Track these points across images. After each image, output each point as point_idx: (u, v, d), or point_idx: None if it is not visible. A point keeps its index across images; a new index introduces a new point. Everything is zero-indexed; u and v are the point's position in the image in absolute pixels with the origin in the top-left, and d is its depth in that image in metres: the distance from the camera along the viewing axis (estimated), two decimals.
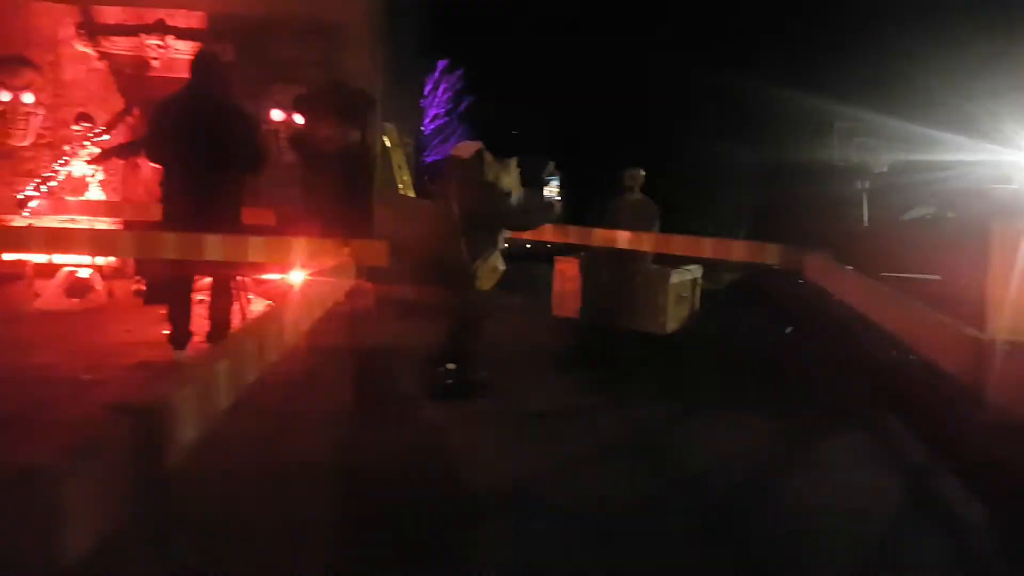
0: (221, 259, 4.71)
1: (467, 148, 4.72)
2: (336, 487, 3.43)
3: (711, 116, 13.97)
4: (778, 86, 12.16)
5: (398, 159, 9.56)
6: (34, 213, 6.72)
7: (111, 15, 7.99)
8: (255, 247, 4.58)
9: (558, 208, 4.98)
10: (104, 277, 7.06)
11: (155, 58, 7.92)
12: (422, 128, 19.26)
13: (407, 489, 3.43)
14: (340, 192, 6.76)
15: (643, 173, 6.14)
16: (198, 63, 5.33)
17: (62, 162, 7.26)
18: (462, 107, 22.14)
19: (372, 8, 8.49)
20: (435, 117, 21.09)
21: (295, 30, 8.21)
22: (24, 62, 7.93)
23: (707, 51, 14.40)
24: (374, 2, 8.51)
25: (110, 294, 7.08)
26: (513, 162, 4.75)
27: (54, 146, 8.04)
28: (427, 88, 20.27)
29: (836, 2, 14.31)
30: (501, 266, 4.81)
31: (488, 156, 4.69)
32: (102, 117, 7.97)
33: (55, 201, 6.89)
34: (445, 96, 21.64)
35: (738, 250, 5.40)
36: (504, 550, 2.96)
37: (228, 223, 4.96)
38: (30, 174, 8.00)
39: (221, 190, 5.13)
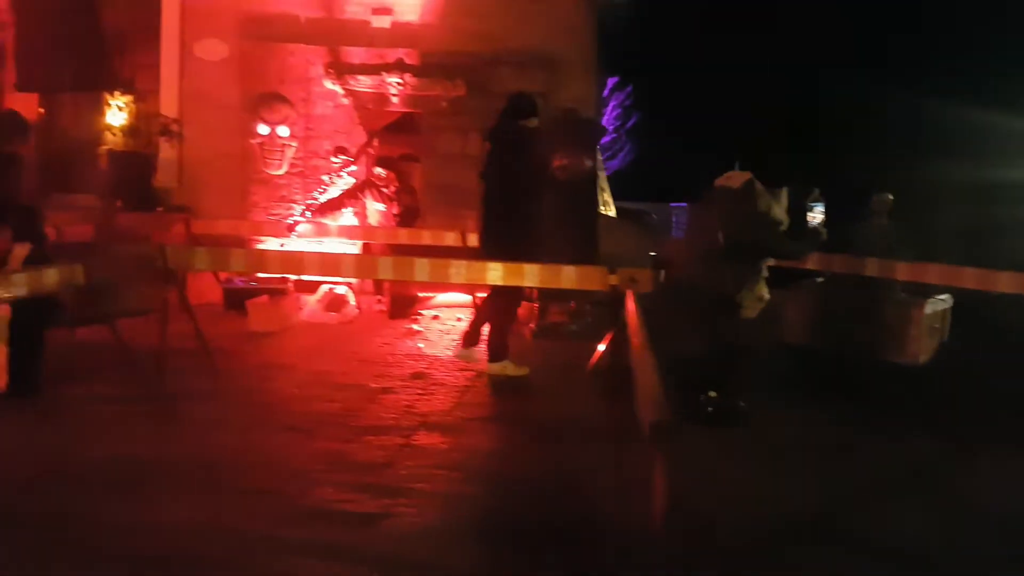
0: (501, 284, 5.13)
1: (736, 177, 4.84)
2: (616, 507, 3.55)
3: (922, 134, 13.32)
4: (997, 100, 11.44)
5: (600, 180, 9.84)
6: (300, 236, 7.53)
7: (356, 55, 8.81)
8: (530, 273, 4.95)
9: (823, 235, 4.98)
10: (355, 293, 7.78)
11: (395, 94, 8.65)
12: None
13: (688, 517, 3.47)
14: (570, 218, 7.13)
15: (891, 198, 6.03)
16: (508, 104, 5.77)
17: (321, 190, 8.08)
18: (630, 124, 22.32)
19: (589, 39, 8.85)
20: None
21: (518, 63, 8.69)
22: (280, 99, 8.91)
23: (918, 68, 13.78)
24: (591, 33, 8.87)
25: (360, 309, 7.79)
26: (784, 192, 4.83)
27: (305, 174, 8.97)
28: None
29: None
30: (766, 295, 4.90)
31: (759, 185, 4.79)
32: (347, 147, 8.81)
33: (317, 225, 7.68)
34: (614, 113, 21.90)
35: (1006, 282, 5.20)
36: None
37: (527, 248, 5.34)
38: (283, 200, 8.98)
39: (516, 218, 5.58)
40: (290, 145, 8.90)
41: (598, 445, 4.01)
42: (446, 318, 7.86)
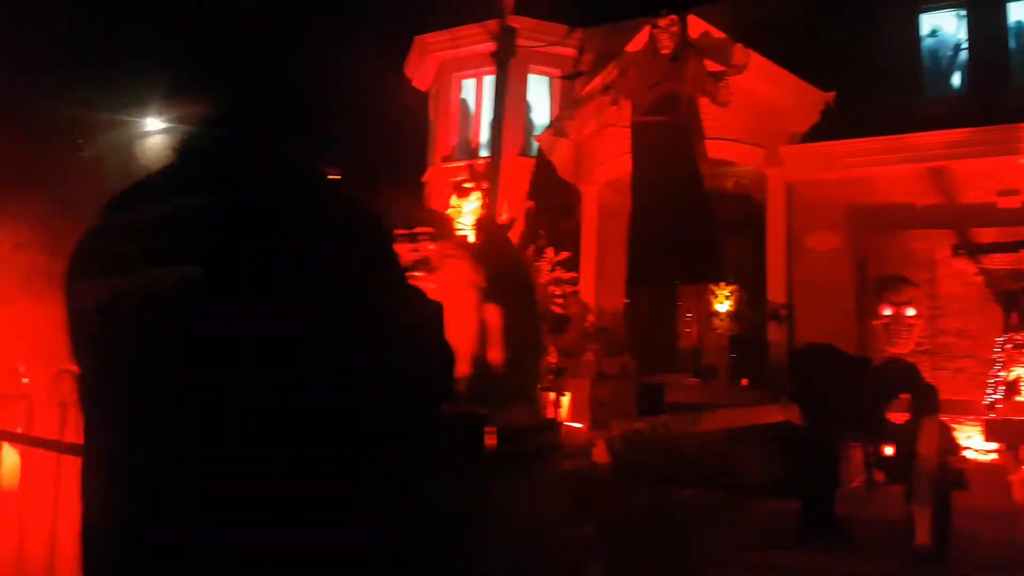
0: None
1: None
2: None
3: None
4: None
5: None
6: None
7: (988, 234, 8.87)
8: None
9: None
10: None
11: None
12: None
13: None
14: None
15: None
16: None
17: (997, 367, 7.92)
18: None
19: None
20: None
21: None
22: (904, 281, 9.12)
23: None
24: None
25: None
26: None
27: (933, 352, 8.91)
28: None
29: None
30: None
31: None
32: (977, 326, 8.69)
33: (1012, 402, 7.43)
34: None
35: None
36: None
37: None
38: None
39: None
40: (916, 324, 8.96)
41: None
42: None
